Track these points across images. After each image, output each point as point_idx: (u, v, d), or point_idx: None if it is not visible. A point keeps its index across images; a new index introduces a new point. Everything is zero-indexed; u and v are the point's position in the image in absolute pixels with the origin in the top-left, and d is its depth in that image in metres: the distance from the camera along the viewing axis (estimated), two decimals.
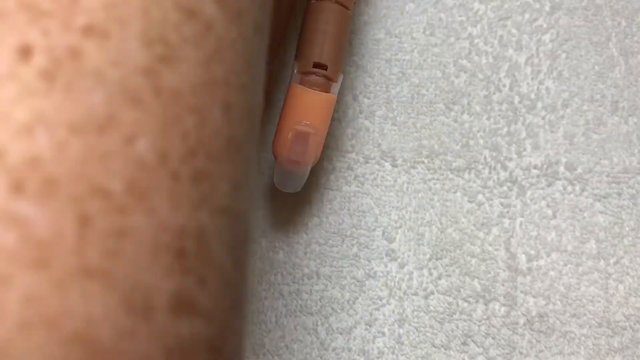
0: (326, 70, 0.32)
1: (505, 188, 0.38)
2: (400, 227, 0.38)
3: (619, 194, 0.38)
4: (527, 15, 0.41)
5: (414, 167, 0.38)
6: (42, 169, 0.16)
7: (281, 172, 0.33)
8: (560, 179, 0.38)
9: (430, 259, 0.37)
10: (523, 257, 0.37)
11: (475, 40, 0.41)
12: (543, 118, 0.39)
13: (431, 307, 0.36)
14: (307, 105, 0.32)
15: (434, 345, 0.36)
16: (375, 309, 0.36)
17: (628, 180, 0.38)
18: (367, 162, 0.39)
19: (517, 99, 0.39)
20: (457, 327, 0.36)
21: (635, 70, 0.39)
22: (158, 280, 0.17)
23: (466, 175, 0.38)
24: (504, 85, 0.40)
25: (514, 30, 0.41)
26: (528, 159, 0.38)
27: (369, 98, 0.40)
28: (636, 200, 0.38)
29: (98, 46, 0.17)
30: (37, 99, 0.17)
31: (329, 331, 0.36)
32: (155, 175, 0.17)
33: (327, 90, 0.32)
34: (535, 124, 0.39)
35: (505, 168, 0.38)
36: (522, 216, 0.38)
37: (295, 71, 0.32)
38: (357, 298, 0.37)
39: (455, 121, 0.39)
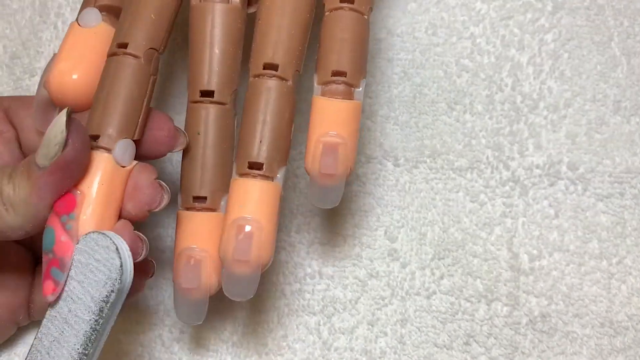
0: (345, 76, 0.31)
1: (507, 188, 0.38)
2: (403, 226, 0.38)
3: (622, 194, 0.38)
4: (529, 15, 0.41)
5: (416, 167, 0.38)
6: None
7: (317, 188, 0.31)
8: (562, 179, 0.38)
9: (432, 259, 0.37)
10: (525, 257, 0.37)
11: (478, 40, 0.41)
12: (545, 118, 0.39)
13: (433, 307, 0.36)
14: (331, 115, 0.31)
15: (436, 345, 0.36)
16: (378, 309, 0.36)
17: (630, 180, 0.38)
18: (369, 162, 0.39)
19: (519, 99, 0.39)
20: (460, 327, 0.36)
21: (638, 69, 0.39)
22: None
23: (468, 175, 0.38)
24: (506, 85, 0.40)
25: (516, 30, 0.41)
26: (530, 159, 0.38)
27: (370, 97, 0.39)
28: (639, 200, 0.37)
29: None
30: None
31: (332, 331, 0.36)
32: None
33: (350, 97, 0.31)
34: (537, 124, 0.39)
35: (507, 168, 0.38)
36: (525, 216, 0.37)
37: (316, 83, 0.31)
38: (359, 298, 0.37)
39: (458, 121, 0.39)
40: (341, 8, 0.32)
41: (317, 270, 0.37)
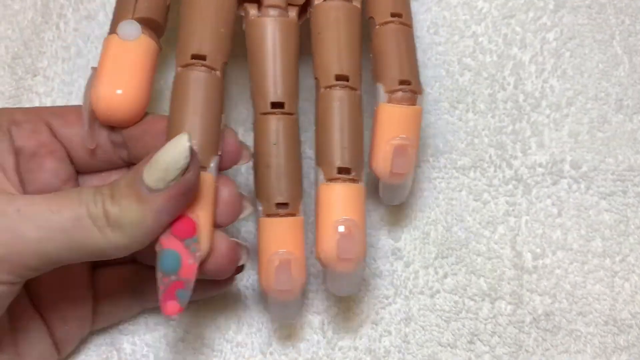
0: (410, 85, 0.33)
1: (510, 186, 0.38)
2: (406, 226, 0.38)
3: (624, 192, 0.38)
4: (531, 14, 0.41)
5: (418, 166, 0.38)
6: None
7: (388, 187, 0.34)
8: (565, 177, 0.38)
9: (436, 258, 0.37)
10: (529, 256, 0.37)
11: (480, 39, 0.41)
12: (548, 116, 0.39)
13: (437, 306, 0.36)
14: (399, 120, 0.33)
15: (440, 344, 0.36)
16: (382, 308, 0.36)
17: (633, 178, 0.38)
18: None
19: (521, 97, 0.39)
20: (464, 326, 0.36)
21: None
22: None
23: (471, 174, 0.38)
24: (509, 84, 0.40)
25: (518, 29, 0.41)
26: (533, 157, 0.38)
27: (373, 97, 0.39)
28: None
29: None
30: None
31: (336, 330, 0.36)
32: None
33: (414, 103, 0.33)
34: (540, 122, 0.39)
35: (510, 166, 0.38)
36: (528, 214, 0.38)
37: (383, 91, 0.33)
38: (363, 297, 0.37)
39: (460, 119, 0.39)
40: (392, 22, 0.34)
41: (321, 269, 0.37)
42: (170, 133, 0.30)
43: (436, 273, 0.37)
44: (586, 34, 0.40)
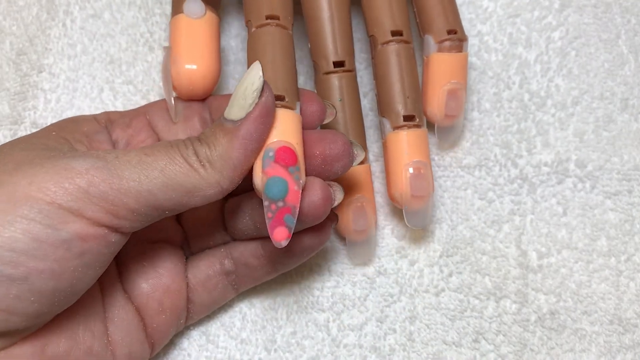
0: (457, 33, 0.36)
1: (515, 185, 0.38)
2: None
3: (630, 192, 0.38)
4: (536, 13, 0.41)
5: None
6: None
7: (441, 130, 0.37)
8: (570, 177, 0.38)
9: (440, 256, 0.37)
10: (534, 255, 0.37)
11: (485, 38, 0.41)
12: (553, 115, 0.39)
13: (442, 305, 0.36)
14: (450, 67, 0.36)
15: (445, 343, 0.36)
16: (386, 306, 0.36)
17: (638, 177, 0.38)
18: (377, 160, 0.39)
19: (527, 97, 0.39)
20: (469, 325, 0.36)
21: None
22: None
23: (477, 173, 0.38)
24: (514, 83, 0.40)
25: (523, 28, 0.41)
26: (538, 157, 0.38)
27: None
28: None
29: None
30: None
31: (341, 328, 0.36)
32: None
33: (461, 51, 0.37)
34: (545, 122, 0.39)
35: (515, 165, 0.38)
36: (533, 213, 0.38)
37: (433, 42, 0.36)
38: (368, 295, 0.37)
39: (465, 118, 0.39)
40: None
41: (327, 267, 0.37)
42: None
43: (441, 272, 0.37)
44: (592, 33, 0.40)
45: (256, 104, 0.29)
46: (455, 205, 0.38)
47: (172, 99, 0.35)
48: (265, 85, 0.29)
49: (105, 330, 0.31)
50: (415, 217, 0.35)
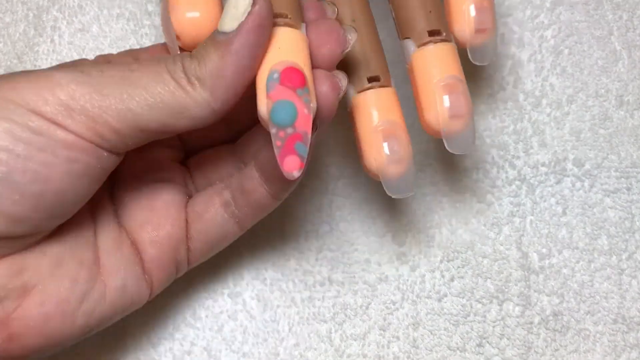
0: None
1: (514, 187, 0.38)
2: (410, 230, 0.37)
3: (628, 189, 0.38)
4: (528, 12, 0.41)
5: (421, 170, 0.38)
6: None
7: (475, 50, 0.33)
8: (568, 176, 0.38)
9: (441, 261, 0.37)
10: (535, 256, 0.37)
11: None
12: (548, 115, 0.39)
13: (445, 310, 0.36)
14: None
15: (449, 348, 0.36)
16: (389, 314, 0.36)
17: (637, 174, 0.38)
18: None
19: (521, 97, 0.39)
20: (472, 329, 0.36)
21: (639, 63, 0.39)
22: None
23: (474, 176, 0.38)
24: (508, 83, 0.39)
25: (515, 28, 0.40)
26: (536, 157, 0.38)
27: None
28: None
29: None
30: None
31: (343, 338, 0.36)
32: None
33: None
34: (541, 121, 0.39)
35: (513, 167, 0.38)
36: (532, 214, 0.37)
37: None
38: (370, 303, 0.36)
39: None
40: None
41: (327, 277, 0.37)
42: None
43: (442, 276, 0.37)
44: (584, 31, 0.40)
45: (249, 12, 0.26)
46: (454, 209, 0.38)
47: (177, 50, 0.31)
48: None
49: (96, 260, 0.29)
50: (456, 141, 0.31)
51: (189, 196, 0.33)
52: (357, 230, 0.37)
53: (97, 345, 0.36)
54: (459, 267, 0.37)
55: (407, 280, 0.37)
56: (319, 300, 0.36)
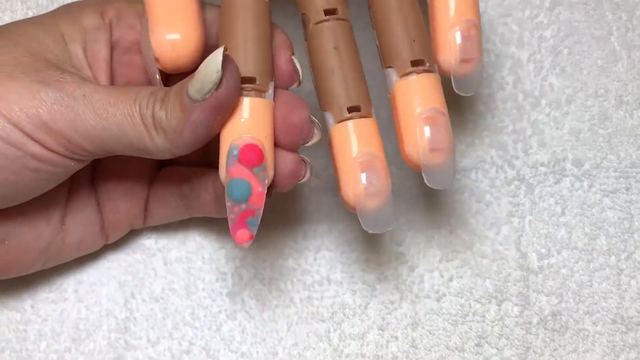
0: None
1: (513, 187, 0.38)
2: (409, 230, 0.37)
3: (627, 189, 0.38)
4: (527, 12, 0.41)
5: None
6: None
7: (458, 80, 0.32)
8: (567, 176, 0.38)
9: (440, 261, 0.37)
10: (534, 256, 0.37)
11: None
12: (548, 115, 0.39)
13: (444, 310, 0.36)
14: (463, 3, 0.32)
15: (448, 348, 0.36)
16: (388, 313, 0.36)
17: (636, 174, 0.38)
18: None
19: (521, 97, 0.39)
20: (471, 329, 0.36)
21: (638, 63, 0.39)
22: None
23: (473, 175, 0.38)
24: (507, 83, 0.39)
25: (515, 27, 0.40)
26: (535, 157, 0.38)
27: (372, 99, 0.39)
28: None
29: None
30: None
31: (342, 337, 0.36)
32: None
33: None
34: (540, 121, 0.39)
35: (512, 166, 0.38)
36: (531, 214, 0.37)
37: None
38: (368, 303, 0.36)
39: (460, 121, 0.39)
40: None
41: (325, 276, 0.37)
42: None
43: (441, 276, 0.37)
44: (583, 31, 0.40)
45: (214, 92, 0.28)
46: (453, 209, 0.38)
47: (157, 72, 0.31)
48: (225, 76, 0.28)
49: (61, 218, 0.33)
50: (436, 175, 0.30)
51: (158, 169, 0.35)
52: (355, 230, 0.37)
53: (97, 345, 0.36)
54: (457, 267, 0.37)
55: (406, 280, 0.37)
56: (317, 299, 0.36)
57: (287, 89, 0.31)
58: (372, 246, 0.37)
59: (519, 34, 0.40)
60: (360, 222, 0.30)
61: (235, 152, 0.28)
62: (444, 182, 0.30)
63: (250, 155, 0.28)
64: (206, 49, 0.31)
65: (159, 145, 0.28)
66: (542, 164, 0.38)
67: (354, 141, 0.30)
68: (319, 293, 0.36)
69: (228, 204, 0.28)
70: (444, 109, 0.30)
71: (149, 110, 0.28)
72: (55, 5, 0.40)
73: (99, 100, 0.28)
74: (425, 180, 0.30)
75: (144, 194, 0.35)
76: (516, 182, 0.38)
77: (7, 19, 0.40)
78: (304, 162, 0.31)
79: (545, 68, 0.40)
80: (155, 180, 0.35)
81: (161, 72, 0.31)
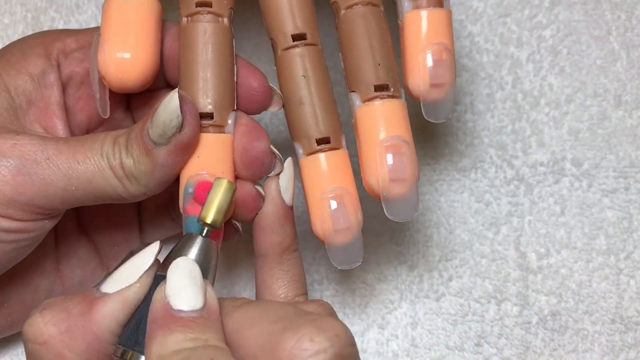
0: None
1: (512, 186, 0.38)
2: (408, 229, 0.37)
3: (627, 189, 0.38)
4: (526, 12, 0.41)
5: (420, 170, 0.38)
6: None
7: (429, 106, 0.30)
8: (567, 176, 0.38)
9: (440, 261, 0.37)
10: (533, 256, 0.37)
11: (476, 39, 0.40)
12: (547, 114, 0.39)
13: (443, 309, 0.36)
14: (431, 25, 0.30)
15: (447, 347, 0.36)
16: (387, 313, 0.36)
17: (635, 174, 0.38)
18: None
19: (520, 97, 0.39)
20: (470, 329, 0.36)
21: (637, 63, 0.39)
22: None
23: (472, 175, 0.38)
24: (507, 83, 0.39)
25: (514, 27, 0.40)
26: (534, 157, 0.38)
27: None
28: None
29: None
30: None
31: None
32: None
33: (442, 5, 0.31)
34: (539, 121, 0.39)
35: (511, 166, 0.38)
36: (531, 214, 0.37)
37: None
38: (368, 302, 0.36)
39: (459, 121, 0.39)
40: None
41: (325, 276, 0.37)
42: (192, 92, 0.29)
43: (441, 276, 0.37)
44: (582, 31, 0.40)
45: (176, 137, 0.28)
46: (452, 208, 0.38)
47: (99, 92, 0.30)
48: (186, 119, 0.27)
49: (55, 267, 0.33)
50: (396, 207, 0.29)
51: None
52: None
53: None
54: (457, 266, 0.37)
55: (406, 279, 0.37)
56: (317, 298, 0.36)
57: (261, 112, 0.31)
58: (372, 246, 0.37)
59: (518, 34, 0.40)
60: (329, 257, 0.30)
61: (190, 190, 0.28)
62: (405, 215, 0.29)
63: (205, 194, 0.27)
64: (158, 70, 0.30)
65: (133, 191, 0.28)
66: (541, 164, 0.38)
67: (322, 175, 0.30)
68: (319, 292, 0.36)
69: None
70: (409, 137, 0.29)
71: (117, 161, 0.28)
72: (53, 8, 0.40)
73: (65, 161, 0.28)
74: (385, 211, 0.29)
75: (135, 221, 0.35)
76: (515, 182, 0.38)
77: (6, 21, 0.41)
78: (259, 194, 0.30)
79: (544, 68, 0.40)
80: (144, 205, 0.35)
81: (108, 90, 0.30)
